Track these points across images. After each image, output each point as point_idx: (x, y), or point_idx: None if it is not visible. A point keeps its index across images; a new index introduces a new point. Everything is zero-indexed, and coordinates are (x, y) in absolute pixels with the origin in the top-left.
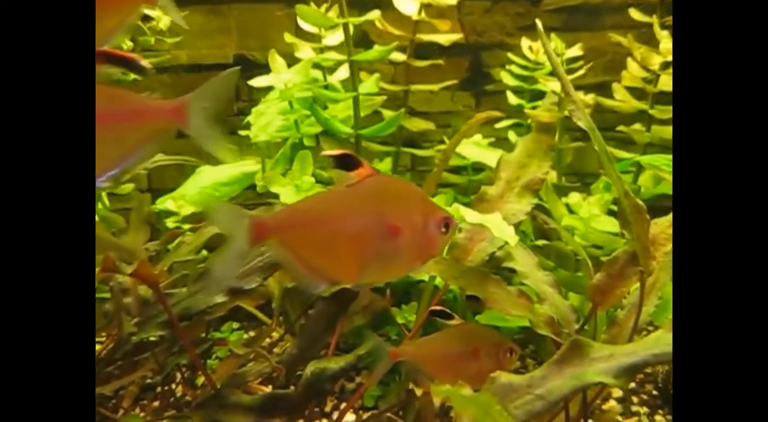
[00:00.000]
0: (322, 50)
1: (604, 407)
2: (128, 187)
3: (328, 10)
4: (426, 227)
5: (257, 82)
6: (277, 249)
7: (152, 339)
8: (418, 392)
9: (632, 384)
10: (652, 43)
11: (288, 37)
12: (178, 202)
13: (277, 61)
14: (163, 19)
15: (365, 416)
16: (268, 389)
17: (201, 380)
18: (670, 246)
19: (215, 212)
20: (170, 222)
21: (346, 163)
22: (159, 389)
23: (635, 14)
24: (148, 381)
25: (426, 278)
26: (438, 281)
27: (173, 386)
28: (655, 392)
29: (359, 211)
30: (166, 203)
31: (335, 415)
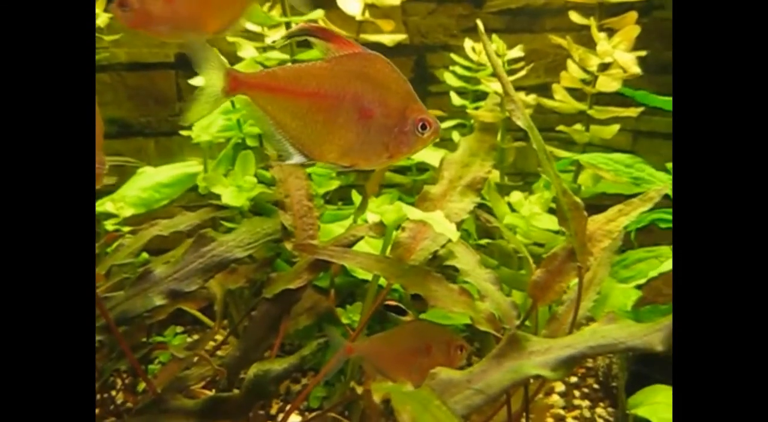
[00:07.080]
0: (264, 49)
1: (548, 401)
2: None
3: (270, 9)
4: (402, 122)
5: (199, 81)
6: (251, 108)
7: None
8: (359, 390)
9: (574, 379)
10: (591, 45)
11: (230, 37)
12: (118, 204)
13: None
14: (101, 16)
15: (311, 416)
16: (212, 392)
17: (143, 386)
18: (607, 243)
19: (198, 53)
20: (109, 225)
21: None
22: (98, 396)
23: (575, 17)
24: None
25: (369, 278)
26: (382, 281)
27: (113, 393)
28: (596, 386)
29: (335, 88)
30: (105, 205)
31: (281, 417)
